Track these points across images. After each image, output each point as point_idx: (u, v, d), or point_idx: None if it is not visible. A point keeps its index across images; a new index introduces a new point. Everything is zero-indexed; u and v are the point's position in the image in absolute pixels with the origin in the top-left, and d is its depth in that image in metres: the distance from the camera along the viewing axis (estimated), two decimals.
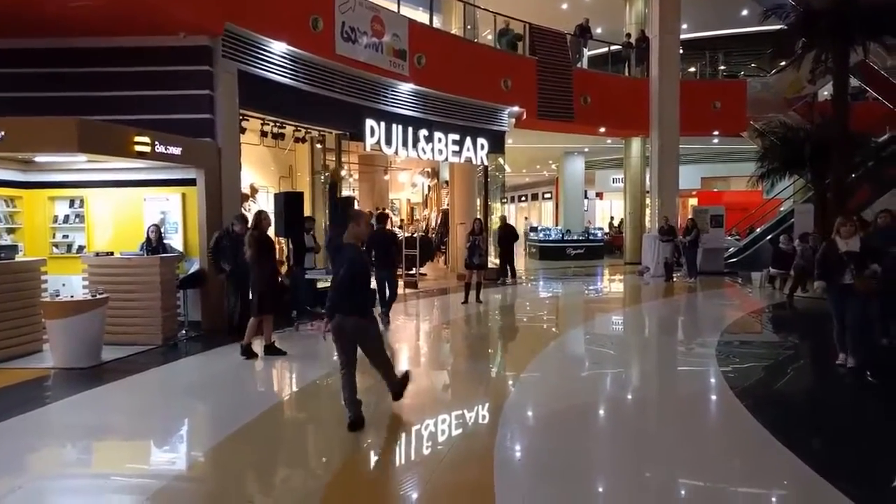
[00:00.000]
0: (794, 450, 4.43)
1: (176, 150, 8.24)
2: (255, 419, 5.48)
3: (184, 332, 8.61)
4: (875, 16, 12.54)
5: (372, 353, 5.23)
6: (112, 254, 8.27)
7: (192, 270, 8.90)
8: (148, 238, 8.38)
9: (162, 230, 8.62)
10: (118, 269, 8.02)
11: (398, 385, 5.49)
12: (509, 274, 15.45)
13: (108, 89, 8.89)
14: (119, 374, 6.73)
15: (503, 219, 16.35)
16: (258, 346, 7.61)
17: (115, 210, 9.14)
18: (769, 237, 17.61)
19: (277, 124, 10.99)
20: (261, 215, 7.64)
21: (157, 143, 7.89)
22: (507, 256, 15.49)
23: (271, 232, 8.16)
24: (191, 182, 8.97)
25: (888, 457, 4.66)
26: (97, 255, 8.18)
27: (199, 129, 9.02)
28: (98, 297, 7.08)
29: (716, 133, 20.70)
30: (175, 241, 8.97)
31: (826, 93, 18.65)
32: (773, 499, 3.94)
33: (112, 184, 9.04)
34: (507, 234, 15.53)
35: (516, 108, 16.04)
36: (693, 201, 26.40)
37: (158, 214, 8.97)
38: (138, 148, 7.66)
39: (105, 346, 7.25)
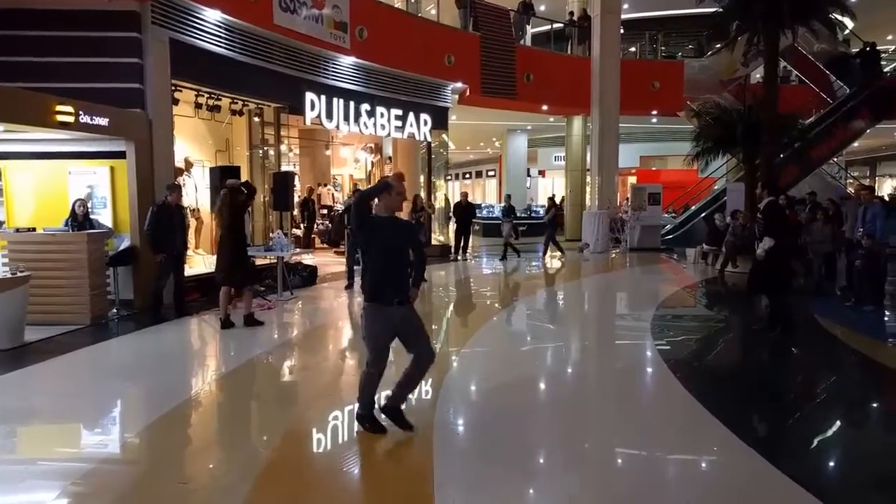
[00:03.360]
0: (722, 419, 4.61)
1: (103, 121, 7.84)
2: (190, 398, 5.34)
3: (114, 311, 8.28)
4: (804, 1, 13.01)
5: (421, 337, 4.37)
6: (34, 230, 7.84)
7: (122, 247, 8.55)
8: (73, 213, 7.97)
9: (89, 205, 8.22)
10: (41, 246, 7.60)
11: (399, 411, 4.36)
12: (461, 250, 15.49)
13: (26, 55, 8.34)
14: (44, 354, 6.42)
15: (464, 195, 16.36)
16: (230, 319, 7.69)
17: (37, 184, 8.65)
18: (703, 214, 18.20)
19: (213, 96, 10.58)
20: (232, 189, 7.65)
21: (81, 112, 7.46)
22: (463, 232, 15.52)
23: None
24: (120, 155, 8.55)
25: (810, 424, 4.93)
26: (17, 230, 7.74)
27: (128, 100, 8.60)
28: (19, 275, 6.70)
29: (654, 112, 21.13)
30: (103, 216, 8.57)
31: (758, 75, 19.29)
32: (703, 465, 4.10)
33: (33, 156, 8.53)
34: (466, 210, 15.55)
35: (459, 84, 15.95)
36: (632, 179, 27.00)
37: (85, 189, 8.54)
38: (60, 118, 7.24)
39: (29, 327, 6.87)
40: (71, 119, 7.34)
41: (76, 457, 4.19)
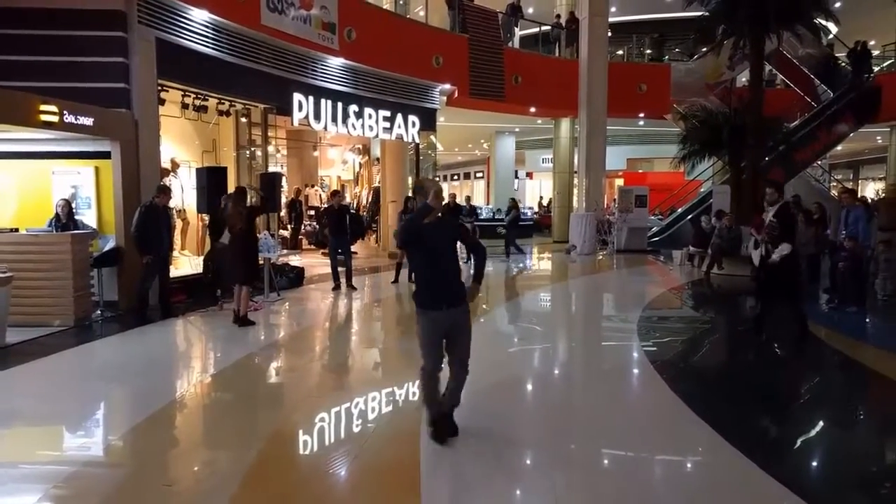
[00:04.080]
0: (707, 420, 4.64)
1: (87, 121, 7.76)
2: (175, 400, 5.30)
3: (99, 312, 8.20)
4: (789, 5, 13.15)
5: (467, 346, 4.26)
6: (17, 230, 7.75)
7: (107, 248, 8.47)
8: (57, 214, 7.89)
9: (73, 205, 8.14)
10: (25, 247, 7.52)
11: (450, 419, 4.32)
12: None
13: (10, 54, 8.25)
14: (26, 356, 6.34)
15: (452, 197, 16.40)
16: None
17: (20, 184, 8.58)
18: (690, 217, 18.32)
19: (200, 96, 10.52)
20: (242, 190, 8.31)
21: (65, 112, 7.39)
22: None
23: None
24: (105, 155, 8.48)
25: (794, 425, 4.97)
26: (0, 231, 7.66)
27: (113, 99, 8.53)
28: (1, 275, 6.62)
29: (641, 115, 21.25)
30: (88, 217, 8.49)
31: (744, 79, 19.46)
32: (689, 465, 4.13)
33: (16, 155, 8.45)
34: (453, 212, 15.54)
35: (448, 86, 15.96)
36: (619, 181, 27.13)
37: (69, 189, 8.46)
38: (45, 118, 7.17)
39: (11, 328, 6.79)
40: (55, 119, 7.27)
41: (59, 459, 4.14)
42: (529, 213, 24.98)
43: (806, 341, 7.08)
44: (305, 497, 3.60)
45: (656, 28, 23.97)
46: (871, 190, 28.79)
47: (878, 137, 24.93)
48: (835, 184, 23.34)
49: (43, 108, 7.16)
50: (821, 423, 5.04)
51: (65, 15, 8.38)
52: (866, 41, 19.65)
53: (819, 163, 20.71)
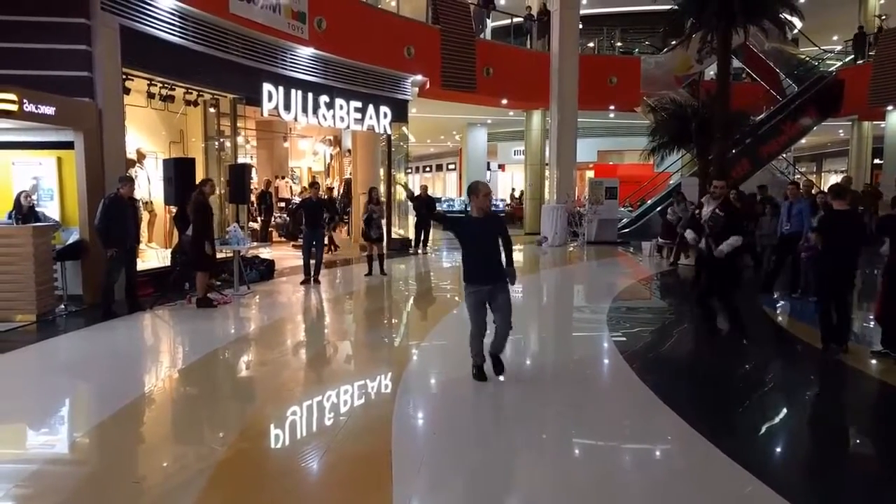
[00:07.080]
0: (675, 409, 4.72)
1: (49, 110, 7.55)
2: (143, 396, 5.22)
3: (62, 306, 8.01)
4: (755, 0, 13.37)
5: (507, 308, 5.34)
6: None
7: (70, 241, 8.27)
8: (18, 205, 7.67)
9: (34, 197, 7.93)
10: None
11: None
12: (421, 244, 15.46)
13: None
14: None
15: (423, 188, 16.34)
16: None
17: None
18: (659, 209, 18.55)
19: (166, 86, 10.30)
20: (207, 181, 8.66)
21: (25, 101, 7.17)
22: (423, 225, 15.49)
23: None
24: (68, 145, 8.27)
25: (758, 411, 5.09)
26: None
27: (76, 88, 8.31)
28: None
29: (612, 108, 21.43)
30: (50, 209, 8.29)
31: (712, 72, 19.74)
32: (657, 454, 4.19)
33: None
34: (425, 204, 15.50)
35: (419, 77, 15.88)
36: (590, 173, 27.35)
37: (30, 180, 8.24)
38: (3, 106, 6.94)
39: None
40: (14, 107, 7.05)
41: (21, 458, 4.05)
42: (501, 206, 25.08)
43: (744, 335, 7.02)
44: (277, 491, 3.58)
45: (626, 21, 24.15)
46: (833, 182, 29.51)
47: (841, 131, 25.54)
48: (798, 176, 23.86)
49: (1, 96, 6.94)
50: (784, 410, 5.16)
51: (25, 0, 8.12)
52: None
53: (784, 155, 21.14)
